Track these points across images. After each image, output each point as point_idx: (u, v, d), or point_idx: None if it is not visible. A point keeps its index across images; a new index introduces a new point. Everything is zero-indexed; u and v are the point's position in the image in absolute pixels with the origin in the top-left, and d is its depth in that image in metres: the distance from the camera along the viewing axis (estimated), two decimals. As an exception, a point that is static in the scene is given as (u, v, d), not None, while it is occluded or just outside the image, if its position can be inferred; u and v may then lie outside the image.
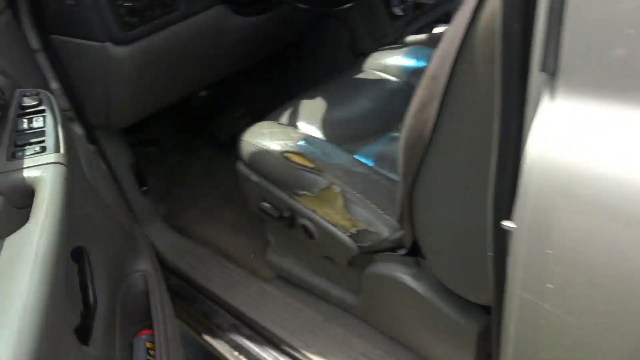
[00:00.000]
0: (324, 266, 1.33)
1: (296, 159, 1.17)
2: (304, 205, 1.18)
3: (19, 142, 0.87)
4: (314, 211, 1.17)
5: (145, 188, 1.72)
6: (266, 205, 1.30)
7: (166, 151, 1.93)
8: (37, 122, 0.92)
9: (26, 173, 0.78)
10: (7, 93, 0.98)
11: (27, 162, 0.79)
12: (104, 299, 0.96)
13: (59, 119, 0.94)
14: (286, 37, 1.81)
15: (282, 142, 1.22)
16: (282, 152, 1.20)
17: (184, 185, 2.00)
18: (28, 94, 1.01)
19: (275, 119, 1.36)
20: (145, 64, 1.31)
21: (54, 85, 1.44)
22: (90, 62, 1.30)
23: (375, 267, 1.13)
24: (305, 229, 1.22)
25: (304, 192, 1.16)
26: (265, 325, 1.42)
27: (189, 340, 1.69)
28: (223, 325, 1.49)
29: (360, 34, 1.78)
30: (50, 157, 0.81)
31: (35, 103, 0.97)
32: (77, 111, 1.50)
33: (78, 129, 1.53)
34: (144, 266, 1.30)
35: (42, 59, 1.40)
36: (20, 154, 0.83)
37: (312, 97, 1.43)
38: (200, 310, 1.55)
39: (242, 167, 1.34)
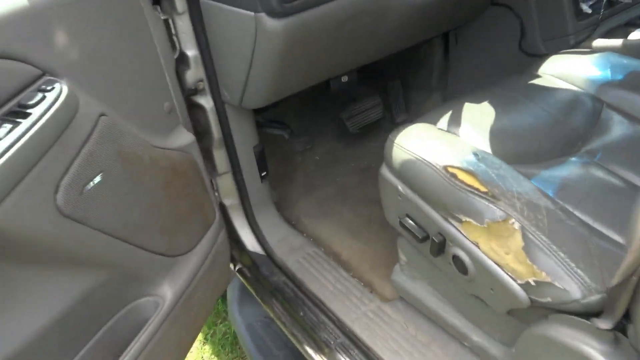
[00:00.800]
0: (468, 305, 1.12)
1: (464, 177, 0.96)
2: (465, 234, 0.97)
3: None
4: (476, 244, 0.95)
5: (264, 173, 1.59)
6: (410, 222, 1.11)
7: (290, 135, 1.79)
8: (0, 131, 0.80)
9: None
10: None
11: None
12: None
13: (36, 128, 0.83)
14: (449, 23, 1.58)
15: (445, 153, 1.01)
16: (446, 167, 0.99)
17: (299, 172, 1.85)
18: (44, 86, 0.88)
19: (432, 121, 1.15)
20: (297, 41, 1.15)
21: (191, 52, 1.32)
22: (237, 33, 1.16)
23: (548, 328, 0.90)
24: (457, 260, 1.01)
25: (468, 220, 0.95)
26: (381, 354, 1.24)
27: (284, 342, 1.56)
28: (330, 342, 1.32)
29: (533, 30, 1.50)
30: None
31: (33, 102, 0.85)
32: (210, 83, 1.38)
33: (208, 102, 1.42)
34: (164, 291, 1.18)
35: (182, 23, 1.29)
36: None
37: (476, 100, 1.20)
38: (307, 318, 1.40)
39: (387, 173, 1.15)
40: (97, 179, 0.97)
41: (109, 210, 1.00)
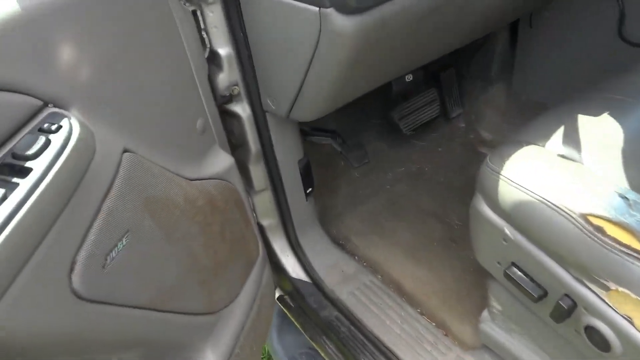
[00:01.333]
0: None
1: (615, 232, 0.71)
2: (612, 304, 0.73)
3: None
4: (630, 319, 0.72)
5: (310, 190, 1.35)
6: (519, 274, 0.87)
7: (342, 146, 1.53)
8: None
9: None
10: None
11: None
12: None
13: (40, 190, 0.58)
14: (527, 6, 1.30)
15: (580, 195, 0.76)
16: (585, 215, 0.74)
17: (341, 180, 1.61)
18: (47, 124, 0.64)
19: (538, 141, 0.90)
20: (371, 43, 0.89)
21: (224, 50, 1.07)
22: (294, 33, 0.91)
23: None
24: (593, 333, 0.77)
25: (620, 289, 0.71)
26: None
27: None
28: (399, 397, 1.12)
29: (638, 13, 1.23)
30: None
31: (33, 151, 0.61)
32: (248, 88, 1.13)
33: (244, 110, 1.17)
34: (206, 356, 0.98)
35: (213, 14, 1.03)
36: None
37: (586, 110, 0.94)
38: (368, 366, 1.18)
39: (486, 210, 0.90)
40: (123, 242, 0.74)
41: (139, 278, 0.77)
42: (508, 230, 0.86)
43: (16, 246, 0.57)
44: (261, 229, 1.39)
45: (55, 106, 0.68)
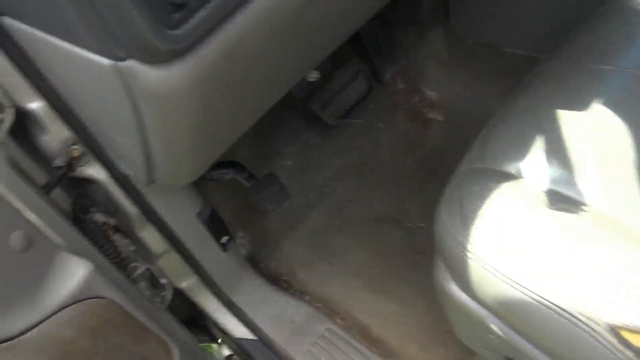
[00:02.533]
0: None
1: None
2: None
3: None
4: None
5: (226, 238, 1.04)
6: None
7: (250, 180, 1.18)
8: None
9: None
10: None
11: None
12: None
13: None
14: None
15: (607, 294, 0.48)
16: (615, 327, 0.46)
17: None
18: None
19: (505, 166, 0.59)
20: (224, 80, 0.55)
21: (35, 104, 0.73)
22: (96, 87, 0.56)
23: None
24: None
25: None
26: None
27: None
28: None
29: None
30: None
31: None
32: (92, 148, 0.79)
33: (98, 173, 0.83)
34: None
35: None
36: None
37: (564, 93, 0.64)
38: None
39: (452, 287, 0.62)
40: None
41: None
42: (494, 324, 0.58)
43: None
44: (180, 294, 1.09)
45: None
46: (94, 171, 0.84)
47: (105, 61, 0.48)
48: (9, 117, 0.73)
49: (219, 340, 1.27)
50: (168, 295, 1.08)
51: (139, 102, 0.52)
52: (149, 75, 0.47)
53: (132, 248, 1.02)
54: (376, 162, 1.31)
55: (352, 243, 1.18)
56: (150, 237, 0.96)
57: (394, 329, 1.03)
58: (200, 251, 1.00)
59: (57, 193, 0.89)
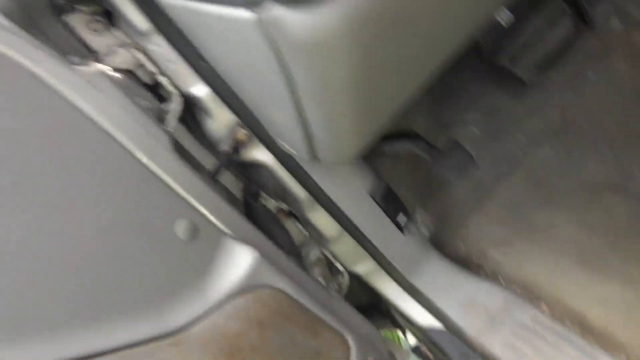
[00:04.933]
0: None
1: None
2: None
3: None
4: None
5: (404, 219, 0.94)
6: None
7: (431, 153, 1.05)
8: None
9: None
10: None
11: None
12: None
13: None
14: None
15: None
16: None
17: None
18: None
19: None
20: (371, 35, 0.45)
21: (201, 88, 0.73)
22: (243, 49, 0.52)
23: None
24: None
25: None
26: None
27: None
28: None
29: None
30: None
31: None
32: (255, 129, 0.76)
33: (266, 155, 0.81)
34: None
35: (160, 47, 0.68)
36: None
37: None
38: None
39: None
40: None
41: None
42: None
43: None
44: (359, 279, 1.03)
45: None
46: (260, 154, 0.82)
47: (247, 14, 0.42)
48: (177, 105, 0.75)
49: (405, 330, 1.17)
50: (345, 281, 1.02)
51: (286, 58, 0.45)
52: (293, 20, 0.40)
53: (306, 233, 0.99)
54: (586, 120, 1.07)
55: (558, 217, 0.98)
56: (322, 220, 0.91)
57: (619, 316, 0.81)
58: (376, 233, 0.92)
59: (227, 179, 0.90)
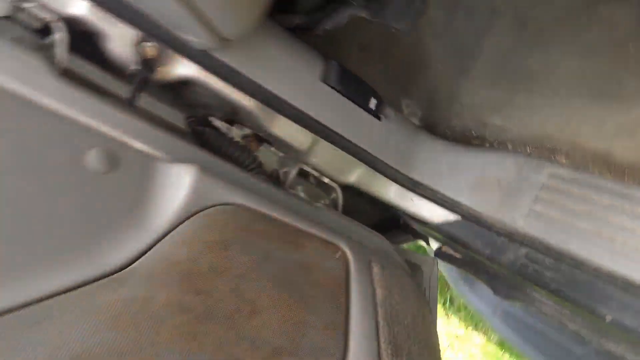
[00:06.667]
0: None
1: None
2: None
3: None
4: None
5: (374, 102, 0.80)
6: None
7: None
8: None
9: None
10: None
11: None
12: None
13: None
14: None
15: None
16: None
17: (430, 41, 0.98)
18: None
19: None
20: None
21: (78, 4, 0.61)
22: None
23: None
24: None
25: None
26: None
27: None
28: None
29: None
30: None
31: None
32: (160, 36, 0.64)
33: (186, 68, 0.69)
34: None
35: None
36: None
37: None
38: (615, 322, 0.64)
39: None
40: None
41: None
42: None
43: None
44: (356, 190, 0.92)
45: None
46: (180, 68, 0.70)
47: None
48: (61, 33, 0.63)
49: (427, 238, 1.06)
50: (338, 195, 0.91)
51: None
52: None
53: (280, 154, 0.88)
54: None
55: (553, 52, 0.82)
56: (286, 129, 0.79)
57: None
58: (350, 127, 0.79)
59: (166, 112, 0.78)
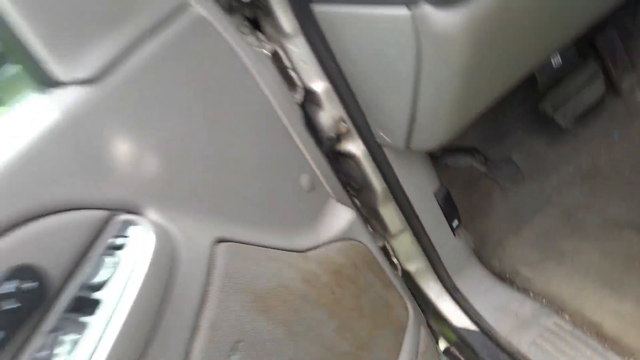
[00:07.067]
0: None
1: None
2: None
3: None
4: None
5: (456, 224, 1.12)
6: None
7: (487, 166, 1.27)
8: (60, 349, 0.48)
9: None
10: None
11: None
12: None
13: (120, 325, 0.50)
14: None
15: None
16: None
17: (495, 198, 1.33)
18: (116, 240, 0.55)
19: None
20: (488, 37, 0.66)
21: (319, 84, 0.92)
22: (388, 45, 0.72)
23: None
24: None
25: None
26: None
27: None
28: None
29: None
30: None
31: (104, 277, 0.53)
32: (355, 121, 0.96)
33: (358, 148, 1.00)
34: None
35: (297, 49, 0.88)
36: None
37: None
38: None
39: None
40: (236, 356, 0.61)
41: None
42: None
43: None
44: (408, 276, 1.19)
45: (125, 211, 0.57)
46: (353, 146, 1.01)
47: (404, 11, 0.63)
48: (300, 97, 0.95)
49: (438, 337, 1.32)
50: (398, 272, 1.19)
51: (423, 44, 0.65)
52: (437, 17, 0.61)
53: (370, 230, 1.17)
54: (612, 170, 1.27)
55: (584, 246, 1.15)
56: (391, 213, 1.09)
57: (631, 328, 0.97)
58: (434, 230, 1.09)
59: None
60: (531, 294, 1.14)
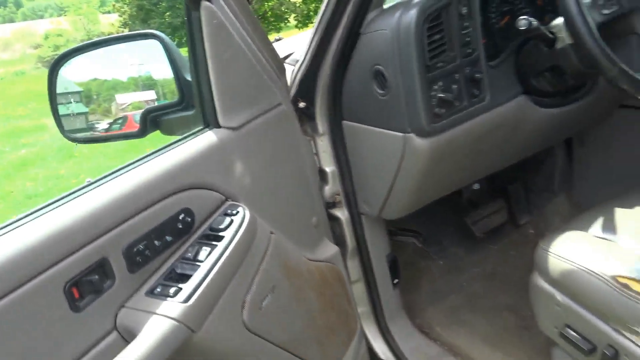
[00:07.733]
0: None
1: (638, 287, 0.93)
2: (645, 348, 0.92)
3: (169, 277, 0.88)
4: (662, 360, 0.90)
5: (396, 281, 1.62)
6: (572, 333, 1.07)
7: (423, 243, 1.83)
8: (202, 253, 0.91)
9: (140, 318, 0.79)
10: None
11: (152, 305, 0.81)
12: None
13: (229, 250, 0.91)
14: (576, 128, 1.61)
15: (610, 262, 1.00)
16: (615, 277, 0.97)
17: (424, 279, 1.86)
18: (229, 211, 0.99)
19: (583, 228, 1.14)
20: (441, 157, 1.23)
21: (330, 168, 1.45)
22: (383, 151, 1.27)
23: None
24: (636, 377, 0.95)
25: (650, 334, 0.91)
26: None
27: None
28: None
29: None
30: (171, 308, 0.79)
31: (223, 226, 0.95)
32: (347, 196, 1.48)
33: (343, 214, 1.51)
34: None
35: (323, 142, 1.42)
36: (158, 290, 0.84)
37: (629, 204, 1.19)
38: None
39: (541, 282, 1.14)
40: (271, 293, 1.06)
41: (279, 323, 1.07)
42: (559, 296, 1.08)
43: (215, 285, 0.90)
44: (356, 316, 1.65)
45: (233, 200, 1.06)
46: (341, 213, 1.53)
47: (399, 135, 1.20)
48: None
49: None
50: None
51: (405, 153, 1.21)
52: (417, 141, 1.17)
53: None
54: (505, 274, 1.83)
55: (476, 318, 1.67)
56: (354, 266, 1.58)
57: (476, 349, 1.48)
58: (381, 283, 1.58)
59: None
60: (438, 343, 1.62)
